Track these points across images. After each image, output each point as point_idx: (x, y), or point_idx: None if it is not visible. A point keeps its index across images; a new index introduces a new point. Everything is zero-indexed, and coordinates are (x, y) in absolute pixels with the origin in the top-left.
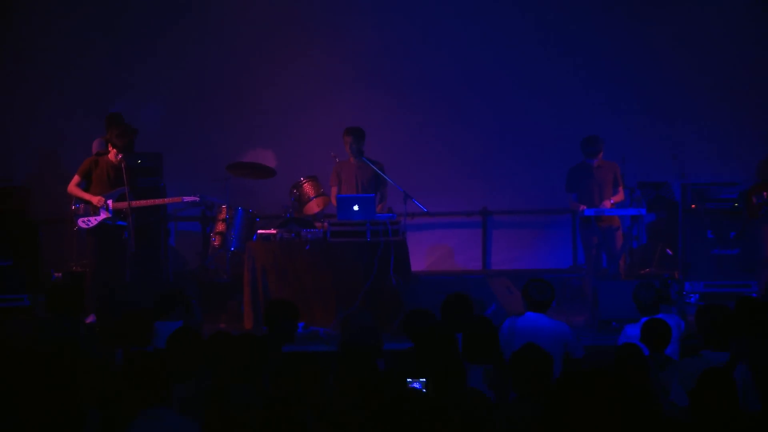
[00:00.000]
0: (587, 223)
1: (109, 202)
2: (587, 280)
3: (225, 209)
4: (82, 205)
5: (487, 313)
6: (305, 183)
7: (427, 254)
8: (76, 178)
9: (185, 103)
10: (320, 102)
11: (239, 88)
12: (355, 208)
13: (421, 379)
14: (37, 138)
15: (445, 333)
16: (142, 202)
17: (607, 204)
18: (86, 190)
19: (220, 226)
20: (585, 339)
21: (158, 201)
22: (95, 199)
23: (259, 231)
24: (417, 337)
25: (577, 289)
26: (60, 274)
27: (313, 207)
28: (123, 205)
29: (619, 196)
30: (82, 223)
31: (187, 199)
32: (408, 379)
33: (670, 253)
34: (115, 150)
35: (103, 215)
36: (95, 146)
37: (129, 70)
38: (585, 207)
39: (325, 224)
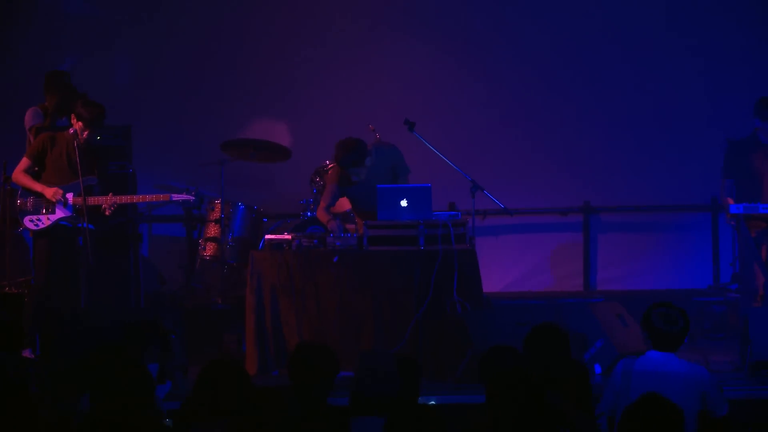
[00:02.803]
0: (745, 224)
1: (69, 196)
2: (740, 306)
3: (219, 206)
4: (30, 199)
5: (592, 352)
6: (332, 168)
7: (505, 269)
8: (23, 162)
9: (163, 57)
10: (354, 63)
11: (242, 38)
12: (403, 203)
13: None
14: None
15: (536, 381)
16: (115, 199)
17: None
18: (37, 178)
19: (213, 230)
20: (730, 389)
21: (138, 198)
22: (49, 192)
23: (268, 236)
24: (493, 387)
25: (720, 317)
26: None
27: (344, 202)
28: (101, 200)
29: None
30: (29, 222)
31: (178, 197)
32: None
33: None
34: (81, 124)
35: (60, 214)
36: (29, 119)
37: (85, 10)
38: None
39: (361, 226)
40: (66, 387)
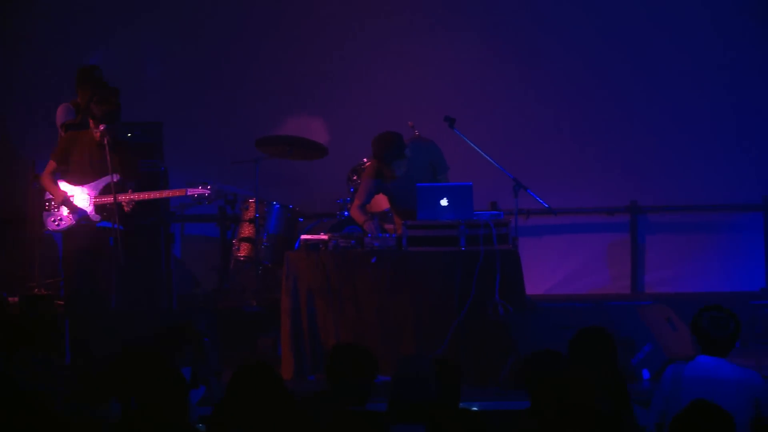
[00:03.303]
0: None
1: (91, 195)
2: None
3: (254, 204)
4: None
5: (640, 357)
6: (368, 166)
7: (549, 270)
8: (49, 164)
9: (195, 53)
10: (393, 57)
11: (277, 32)
12: (444, 202)
13: None
14: None
15: (582, 386)
16: (132, 196)
17: None
18: (64, 178)
19: (247, 230)
20: None
21: (154, 194)
22: (58, 198)
23: (303, 236)
24: (538, 393)
25: None
26: (15, 299)
27: (382, 201)
28: (108, 199)
29: None
30: (51, 223)
31: (193, 191)
32: None
33: None
34: (99, 128)
35: (80, 213)
36: (60, 115)
37: (114, 6)
38: None
39: (400, 226)
40: (96, 392)
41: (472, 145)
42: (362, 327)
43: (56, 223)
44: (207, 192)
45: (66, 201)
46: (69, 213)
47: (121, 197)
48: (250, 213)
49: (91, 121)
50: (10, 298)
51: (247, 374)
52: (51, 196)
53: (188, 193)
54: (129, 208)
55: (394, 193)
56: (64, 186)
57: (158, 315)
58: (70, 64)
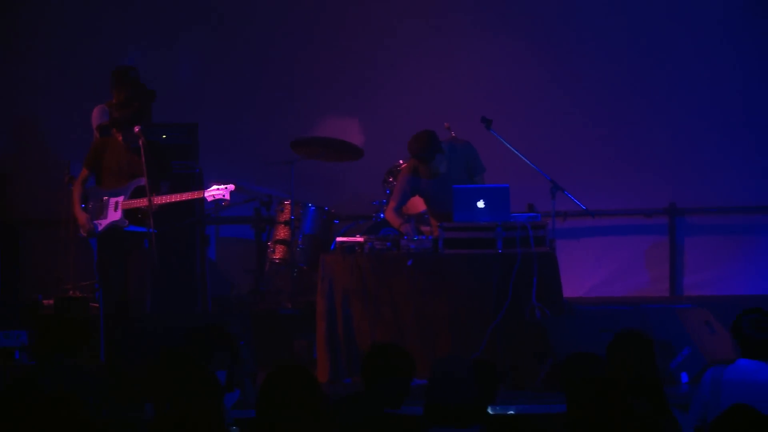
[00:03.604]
0: None
1: (119, 199)
2: None
3: (289, 206)
4: (89, 205)
5: (678, 360)
6: (403, 168)
7: (587, 273)
8: (82, 173)
9: (229, 54)
10: (429, 58)
11: (312, 32)
12: (480, 204)
13: None
14: (11, 102)
15: (620, 390)
16: (155, 200)
17: None
18: (99, 184)
19: (282, 232)
20: None
21: (175, 197)
22: (81, 219)
23: (339, 239)
24: (575, 396)
25: None
26: (51, 301)
27: (419, 203)
28: (138, 203)
29: None
30: (83, 231)
31: (211, 192)
32: None
33: None
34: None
35: (111, 218)
36: (96, 117)
37: (150, 6)
38: None
39: (436, 228)
40: (130, 394)
41: (509, 146)
42: (398, 330)
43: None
44: (225, 195)
45: (85, 227)
46: (100, 218)
47: (138, 202)
48: (286, 215)
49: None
50: (45, 301)
51: (281, 376)
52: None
53: (206, 196)
54: (154, 210)
55: (431, 194)
56: (94, 192)
57: (193, 317)
58: (106, 64)
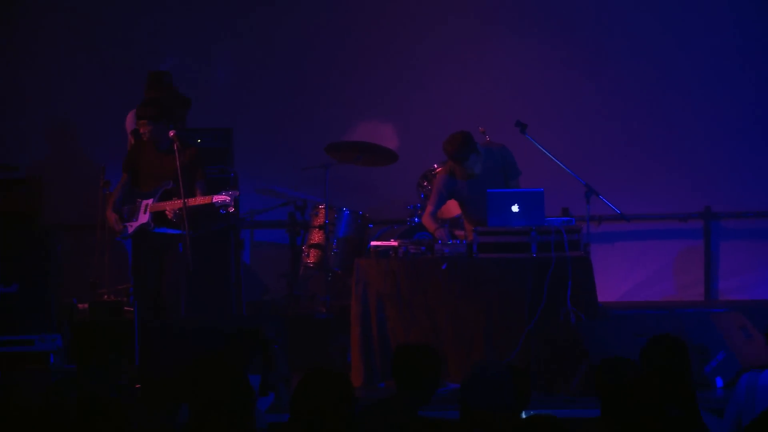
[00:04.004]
0: None
1: (148, 202)
2: None
3: (323, 211)
4: (124, 209)
5: (713, 365)
6: (439, 173)
7: (621, 277)
8: (123, 178)
9: (264, 59)
10: (463, 62)
11: (346, 37)
12: (515, 208)
13: None
14: (50, 107)
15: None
16: (165, 204)
17: None
18: (137, 186)
19: (317, 236)
20: None
21: (190, 201)
22: (110, 220)
23: (373, 243)
24: (610, 401)
25: None
26: (86, 305)
27: (453, 208)
28: (167, 205)
29: None
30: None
31: (218, 198)
32: None
33: None
34: (144, 129)
35: (141, 220)
36: (130, 122)
37: (185, 12)
38: None
39: (471, 233)
40: (165, 398)
41: (544, 150)
42: (433, 334)
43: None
44: (227, 199)
45: (116, 227)
46: (131, 219)
47: (165, 204)
48: (320, 219)
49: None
50: (80, 305)
51: (315, 381)
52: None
53: (214, 201)
54: (171, 215)
55: (466, 197)
56: (131, 194)
57: (227, 321)
58: (142, 69)
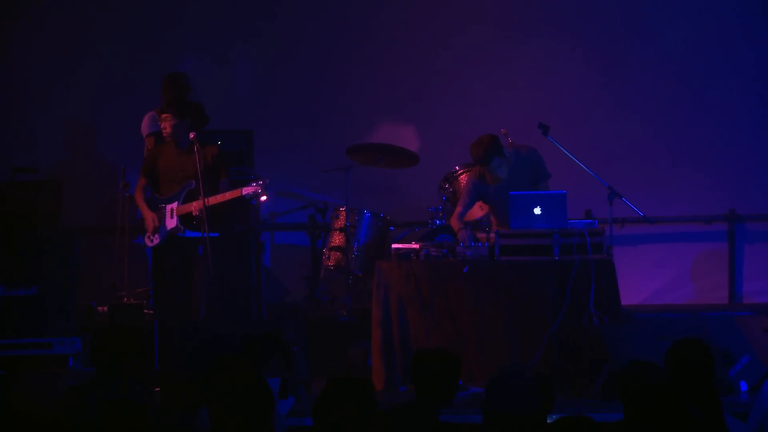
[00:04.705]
0: None
1: (173, 206)
2: None
3: (344, 213)
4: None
5: (737, 369)
6: (463, 174)
7: (644, 280)
8: (140, 181)
9: (284, 60)
10: (484, 64)
11: (367, 39)
12: (537, 210)
13: None
14: (67, 109)
15: (679, 399)
16: (196, 203)
17: None
18: (155, 190)
19: (337, 239)
20: None
21: (218, 197)
22: (148, 218)
23: (395, 246)
24: (633, 405)
25: None
26: (105, 308)
27: (476, 210)
28: (193, 206)
29: None
30: (147, 240)
31: (247, 190)
32: None
33: None
34: (167, 124)
35: (169, 225)
36: (146, 125)
37: (205, 12)
38: None
39: (492, 235)
40: (184, 401)
41: (566, 152)
42: (454, 337)
43: (151, 239)
44: (258, 189)
45: (154, 223)
46: (163, 229)
47: (191, 205)
48: (341, 222)
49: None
50: (99, 308)
51: (339, 388)
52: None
53: (243, 193)
54: (197, 212)
55: (495, 202)
56: (152, 201)
57: (248, 324)
58: (160, 71)
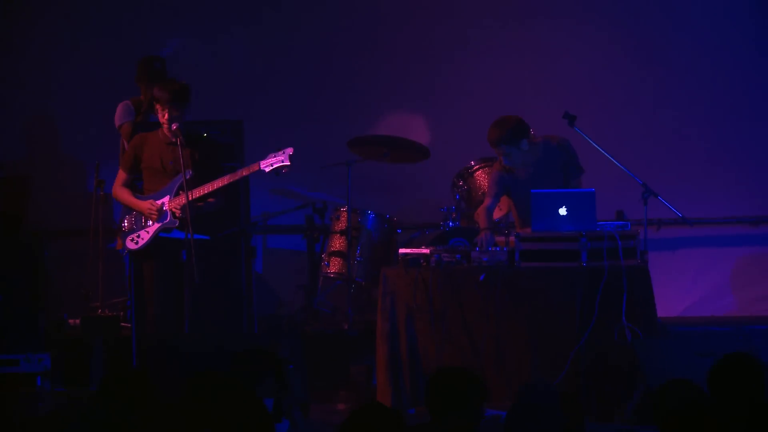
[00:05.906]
0: None
1: (165, 200)
2: None
3: (345, 214)
4: (132, 216)
5: None
6: (479, 170)
7: (682, 289)
8: (119, 175)
9: (282, 45)
10: (504, 51)
11: (374, 22)
12: (562, 211)
13: None
14: (24, 100)
15: (722, 423)
16: (201, 189)
17: None
18: (140, 189)
19: (338, 243)
20: None
21: (225, 179)
22: (144, 206)
23: (402, 250)
24: (670, 429)
25: None
26: (77, 321)
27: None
28: (184, 198)
29: None
30: (130, 243)
31: (268, 162)
32: None
33: None
34: (159, 107)
35: (158, 223)
36: (119, 115)
37: None
38: None
39: (512, 238)
40: (169, 424)
41: (595, 145)
42: (469, 353)
43: (135, 241)
44: (282, 158)
45: (155, 207)
46: (145, 226)
47: (192, 192)
48: (342, 223)
49: (158, 112)
50: (71, 320)
51: (364, 418)
52: (134, 210)
53: (262, 168)
54: (201, 202)
55: (518, 199)
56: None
57: (237, 339)
58: (133, 56)
